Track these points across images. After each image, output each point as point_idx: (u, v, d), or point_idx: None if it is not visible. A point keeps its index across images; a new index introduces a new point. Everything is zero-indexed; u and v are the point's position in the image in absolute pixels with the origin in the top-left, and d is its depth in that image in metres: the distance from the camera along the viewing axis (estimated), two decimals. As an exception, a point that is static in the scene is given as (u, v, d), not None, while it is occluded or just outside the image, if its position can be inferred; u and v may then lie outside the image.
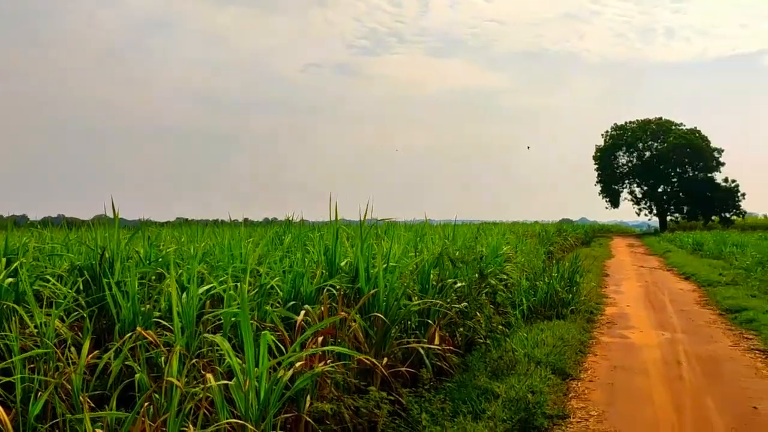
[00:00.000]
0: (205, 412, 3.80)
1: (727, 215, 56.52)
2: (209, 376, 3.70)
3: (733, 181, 57.19)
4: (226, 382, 3.76)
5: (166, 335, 4.55)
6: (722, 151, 57.97)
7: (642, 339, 9.03)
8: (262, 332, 3.93)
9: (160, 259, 6.15)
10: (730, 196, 56.74)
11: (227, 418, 3.61)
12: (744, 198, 56.71)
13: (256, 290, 5.36)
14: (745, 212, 57.67)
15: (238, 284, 5.16)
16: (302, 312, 4.79)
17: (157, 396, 3.69)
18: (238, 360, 3.85)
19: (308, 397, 4.22)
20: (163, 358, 4.17)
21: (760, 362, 7.65)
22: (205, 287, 4.95)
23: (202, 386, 3.69)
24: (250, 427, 3.56)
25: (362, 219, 6.42)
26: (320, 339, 4.58)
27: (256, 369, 3.82)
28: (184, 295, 4.53)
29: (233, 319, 4.54)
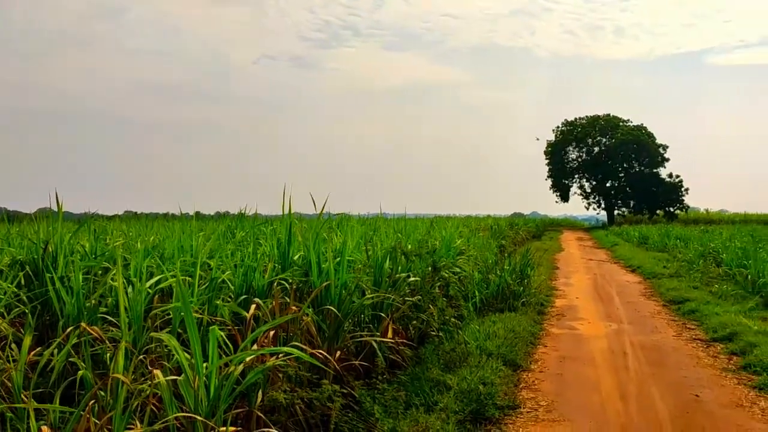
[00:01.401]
0: (153, 408, 3.72)
1: (672, 209, 58.25)
2: (157, 372, 3.61)
3: (677, 176, 59.00)
4: (174, 378, 3.68)
5: (112, 331, 4.43)
6: (667, 147, 59.69)
7: (590, 330, 9.25)
8: (212, 327, 3.86)
9: (107, 253, 5.98)
10: (674, 190, 58.47)
11: (176, 414, 3.54)
12: (687, 193, 58.55)
13: (206, 284, 5.27)
14: (688, 207, 59.54)
15: (188, 278, 5.07)
16: (253, 306, 4.72)
17: (102, 393, 3.59)
18: (187, 355, 3.78)
19: (260, 392, 4.17)
20: (108, 355, 4.06)
21: (701, 351, 7.92)
22: (153, 281, 4.83)
23: (149, 383, 3.61)
24: (199, 418, 3.49)
25: (320, 212, 6.38)
26: (272, 333, 4.53)
27: (205, 365, 3.75)
28: (131, 289, 4.41)
29: (182, 313, 4.45)
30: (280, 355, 4.36)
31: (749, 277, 12.60)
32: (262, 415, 4.09)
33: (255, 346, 4.32)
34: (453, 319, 7.63)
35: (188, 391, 3.65)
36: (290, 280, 5.77)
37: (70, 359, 3.91)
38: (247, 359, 4.04)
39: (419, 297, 7.22)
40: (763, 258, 13.31)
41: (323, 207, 6.41)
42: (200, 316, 4.57)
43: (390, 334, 6.27)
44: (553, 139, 63.96)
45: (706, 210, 65.06)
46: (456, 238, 12.85)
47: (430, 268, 7.72)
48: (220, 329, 4.34)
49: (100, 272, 5.62)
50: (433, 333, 7.29)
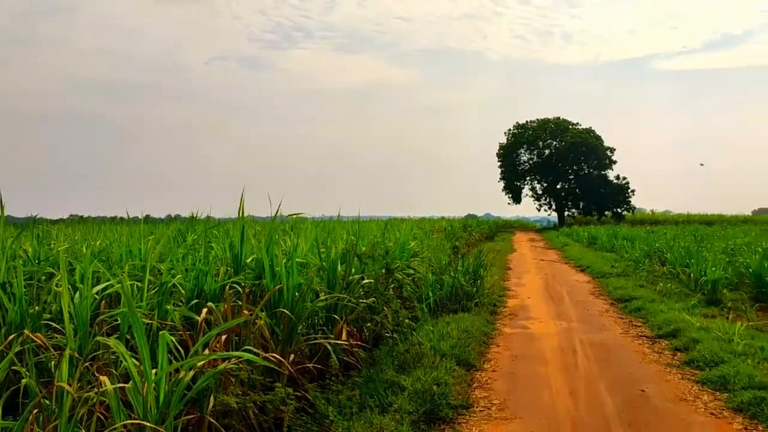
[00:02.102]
0: (100, 416, 3.63)
1: (619, 210, 59.86)
2: (104, 379, 3.53)
3: (624, 178, 60.69)
4: (122, 385, 3.60)
5: (57, 338, 4.30)
6: (614, 149, 61.34)
7: (541, 329, 9.41)
8: (161, 332, 3.79)
9: (51, 258, 5.81)
10: (621, 192, 60.10)
11: (124, 421, 3.46)
12: (634, 194, 60.30)
13: (156, 289, 5.17)
14: (635, 208, 61.33)
15: (136, 283, 4.97)
16: (204, 310, 4.65)
17: (47, 402, 3.48)
18: (135, 362, 3.70)
19: (212, 397, 4.11)
20: (53, 362, 3.95)
21: (647, 348, 8.15)
22: (100, 287, 4.71)
23: (96, 390, 3.52)
24: (148, 425, 3.42)
25: (273, 216, 6.32)
26: (224, 338, 4.47)
27: (155, 371, 3.68)
28: (77, 295, 4.29)
29: (130, 319, 4.35)
30: (233, 359, 4.31)
31: (692, 275, 13.03)
32: (213, 420, 4.03)
33: (206, 351, 4.27)
34: (407, 321, 7.66)
35: (137, 397, 3.58)
36: (243, 284, 5.71)
37: (13, 367, 3.78)
38: (199, 364, 3.98)
39: (373, 299, 7.23)
40: (704, 257, 13.80)
41: (277, 209, 6.35)
42: (150, 321, 4.48)
43: (344, 336, 6.27)
44: (505, 141, 64.98)
45: (652, 211, 67.12)
46: (410, 240, 12.95)
47: (383, 270, 7.74)
48: (171, 334, 4.27)
49: (44, 278, 5.46)
50: (388, 334, 7.31)
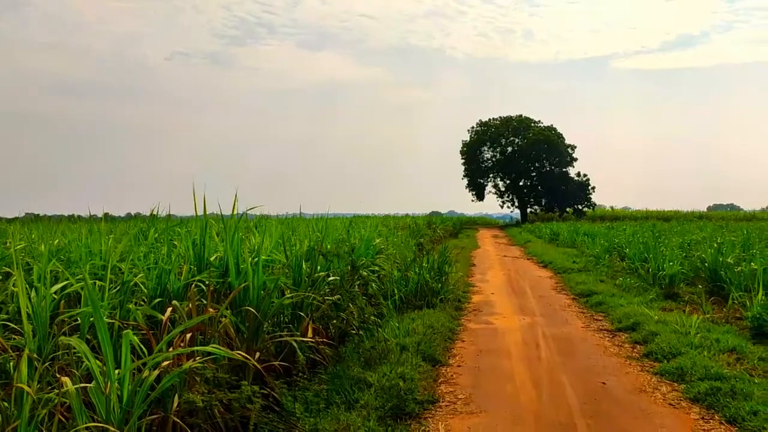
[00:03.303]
0: (61, 418, 3.56)
1: (580, 207, 60.91)
2: (65, 380, 3.46)
3: (585, 175, 61.77)
4: (84, 385, 3.53)
5: (15, 339, 4.20)
6: (575, 147, 62.35)
7: (505, 324, 9.53)
8: (124, 331, 3.73)
9: (7, 257, 5.66)
10: (582, 189, 61.17)
11: (86, 423, 3.39)
12: (594, 191, 61.46)
13: (117, 288, 5.09)
14: (595, 204, 62.48)
15: (98, 282, 4.88)
16: (168, 309, 4.59)
17: (5, 404, 3.40)
18: (98, 362, 3.64)
19: (176, 397, 4.06)
20: (11, 364, 3.85)
21: (607, 341, 8.33)
22: (59, 286, 4.61)
23: (57, 391, 3.44)
24: (111, 429, 3.36)
25: (232, 212, 6.26)
26: (188, 336, 4.42)
27: (117, 370, 3.62)
28: (35, 295, 4.19)
29: (91, 319, 4.27)
30: (197, 358, 4.26)
31: (650, 270, 13.34)
32: (178, 420, 3.98)
33: (170, 349, 4.21)
34: (373, 317, 7.69)
35: (99, 398, 3.52)
36: (207, 282, 5.65)
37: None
38: (163, 363, 3.93)
39: (339, 296, 7.23)
40: (662, 252, 14.14)
41: (238, 206, 6.30)
42: (112, 320, 4.40)
43: (310, 334, 6.25)
44: (468, 139, 65.49)
45: (612, 207, 68.58)
46: (375, 237, 12.95)
47: (349, 267, 7.74)
48: (134, 334, 4.20)
49: (0, 278, 5.32)
50: (354, 331, 7.32)
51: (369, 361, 6.45)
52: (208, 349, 3.95)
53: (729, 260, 11.82)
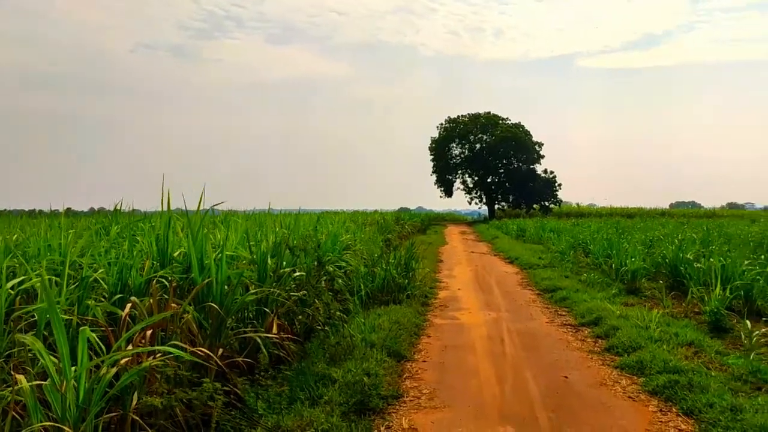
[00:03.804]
0: (16, 416, 3.48)
1: (547, 204, 61.64)
2: (20, 377, 3.38)
3: (552, 172, 62.52)
4: (39, 383, 3.45)
5: (-32, 336, 4.09)
6: (542, 144, 63.04)
7: (471, 319, 9.60)
8: (81, 328, 3.66)
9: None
10: (549, 186, 61.89)
11: (41, 421, 3.32)
12: (560, 188, 62.25)
13: (76, 284, 4.99)
14: (561, 201, 63.34)
15: (55, 278, 4.78)
16: (128, 305, 4.52)
17: (-44, 403, 3.31)
18: (54, 359, 3.56)
19: (135, 395, 4.00)
20: (-37, 362, 3.75)
21: (570, 336, 8.45)
22: (15, 281, 4.50)
23: (11, 389, 3.36)
24: (66, 429, 3.30)
25: (198, 207, 6.19)
26: (149, 333, 4.35)
27: (74, 368, 3.55)
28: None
29: (48, 315, 4.18)
30: (158, 356, 4.20)
31: (613, 265, 13.57)
32: (138, 418, 3.93)
33: (130, 347, 4.15)
34: (339, 313, 7.67)
35: (55, 396, 3.45)
36: (170, 278, 5.57)
37: None
38: (122, 361, 3.87)
39: (305, 292, 7.20)
40: (625, 248, 14.38)
41: (204, 201, 6.23)
42: (69, 317, 4.31)
43: (275, 330, 6.22)
44: (437, 135, 65.73)
45: (578, 204, 69.56)
46: (343, 233, 12.94)
47: (315, 263, 7.71)
48: (93, 331, 4.12)
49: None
50: (319, 327, 7.29)
51: (334, 357, 6.44)
52: (166, 348, 3.89)
53: (689, 256, 12.08)
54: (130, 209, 9.80)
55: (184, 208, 6.29)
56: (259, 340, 5.62)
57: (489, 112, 65.17)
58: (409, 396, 5.83)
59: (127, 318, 4.47)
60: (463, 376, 6.52)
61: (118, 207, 9.73)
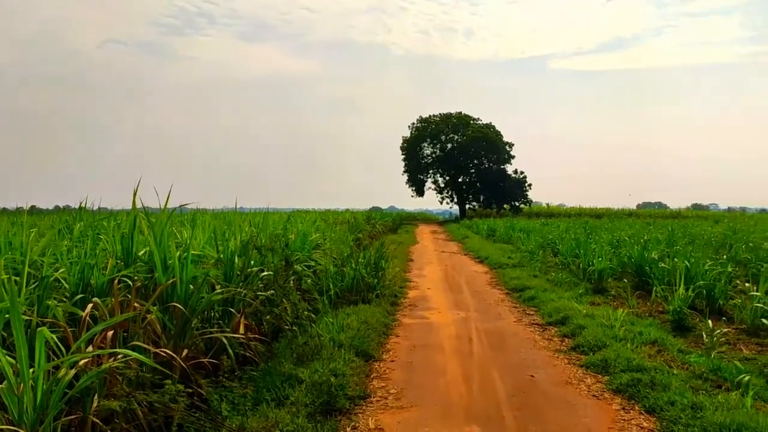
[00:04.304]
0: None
1: (517, 204, 62.18)
2: (-26, 380, 3.29)
3: (522, 172, 63.08)
4: (-6, 385, 3.37)
5: None
6: (513, 145, 63.52)
7: (440, 319, 9.63)
8: (40, 329, 3.57)
9: None
10: (519, 186, 62.43)
11: (-4, 426, 3.24)
12: (531, 188, 62.84)
13: (36, 283, 4.87)
14: (532, 201, 63.95)
15: (14, 277, 4.66)
16: (89, 305, 4.43)
17: None
18: (11, 360, 3.48)
19: (96, 397, 3.92)
20: None
21: (538, 335, 8.53)
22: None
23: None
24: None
25: (164, 206, 6.09)
26: (110, 334, 4.27)
27: (32, 370, 3.47)
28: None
29: (7, 315, 4.08)
30: (119, 357, 4.13)
31: (580, 265, 13.74)
32: (98, 420, 3.85)
33: (90, 348, 4.07)
34: (307, 313, 7.63)
35: (11, 398, 3.36)
36: (135, 277, 5.49)
37: None
38: (81, 362, 3.79)
39: (272, 291, 7.14)
40: (592, 248, 14.58)
41: (167, 198, 6.13)
42: (29, 317, 4.21)
43: (242, 330, 6.16)
44: (409, 135, 65.86)
45: (547, 204, 70.35)
46: (312, 232, 12.88)
47: (283, 262, 7.66)
48: (53, 332, 4.03)
49: None
50: (287, 327, 7.24)
51: (302, 357, 6.41)
52: (125, 351, 3.82)
53: (653, 256, 12.30)
54: (97, 207, 9.64)
55: (152, 206, 6.20)
56: (224, 340, 5.56)
57: (460, 112, 65.50)
58: (377, 396, 5.82)
59: (88, 319, 4.39)
60: (430, 375, 6.54)
61: (83, 205, 9.58)
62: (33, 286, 4.82)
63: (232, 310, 6.28)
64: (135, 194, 5.91)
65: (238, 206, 11.06)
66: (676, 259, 11.44)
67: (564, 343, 7.99)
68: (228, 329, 5.96)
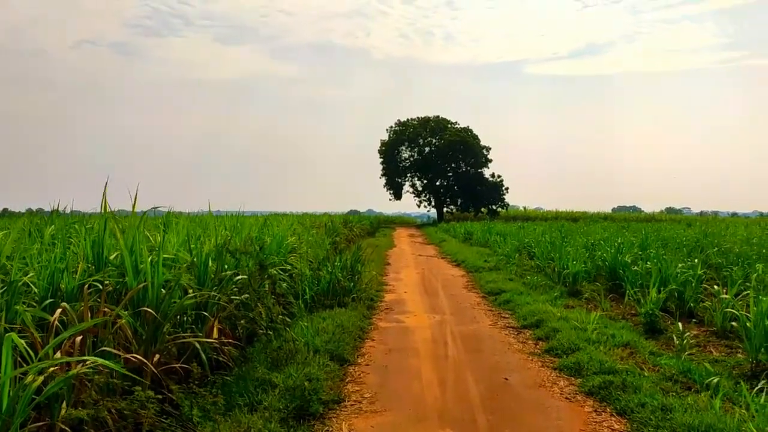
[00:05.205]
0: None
1: (494, 207, 62.54)
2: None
3: (499, 176, 63.48)
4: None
5: None
6: (490, 148, 63.92)
7: (416, 322, 9.65)
8: (7, 335, 3.51)
9: None
10: (496, 189, 62.82)
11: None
12: (507, 192, 63.25)
13: (4, 288, 4.79)
14: (508, 204, 64.34)
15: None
16: (58, 311, 4.36)
17: None
18: (-24, 367, 3.41)
19: (64, 403, 3.86)
20: None
21: (512, 338, 8.59)
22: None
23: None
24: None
25: (133, 208, 6.03)
26: (78, 339, 4.21)
27: (-2, 376, 3.41)
28: None
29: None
30: (88, 362, 4.07)
31: (556, 268, 13.88)
32: (66, 427, 3.79)
33: (59, 354, 4.01)
34: (282, 317, 7.60)
35: (-25, 406, 3.30)
36: (106, 282, 5.42)
37: None
38: (49, 369, 3.74)
39: (247, 295, 7.10)
40: (567, 252, 14.72)
41: (134, 201, 6.07)
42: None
43: (215, 335, 6.12)
44: (387, 138, 65.95)
45: (524, 208, 70.90)
46: (289, 235, 12.83)
47: (258, 266, 7.61)
48: (22, 337, 3.97)
49: None
50: (262, 332, 7.21)
51: (276, 362, 6.37)
52: (94, 359, 3.77)
53: (627, 259, 12.46)
54: (69, 210, 9.50)
55: (127, 209, 6.12)
56: (197, 345, 5.51)
57: (438, 116, 65.73)
58: (351, 400, 5.81)
59: (57, 324, 4.32)
60: (405, 379, 6.54)
61: (56, 208, 9.43)
62: (1, 290, 4.73)
63: (205, 314, 6.22)
64: (104, 197, 5.84)
65: (215, 209, 10.99)
66: (649, 263, 11.60)
67: (538, 346, 8.05)
68: (201, 334, 5.91)
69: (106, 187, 5.81)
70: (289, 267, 10.48)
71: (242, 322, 7.05)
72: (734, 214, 66.25)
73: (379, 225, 48.31)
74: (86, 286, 5.08)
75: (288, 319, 8.06)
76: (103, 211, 5.88)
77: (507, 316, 10.30)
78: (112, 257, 6.00)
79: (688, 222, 40.55)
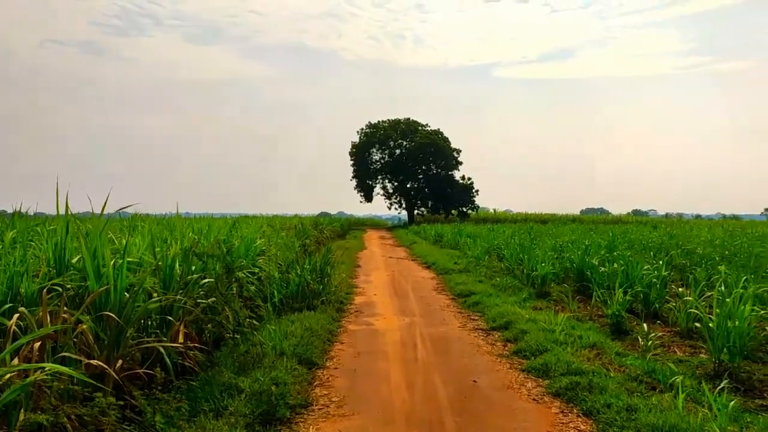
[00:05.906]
0: None
1: (464, 209, 62.90)
2: None
3: (469, 178, 63.87)
4: None
5: None
6: (460, 151, 64.29)
7: (385, 325, 9.63)
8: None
9: None
10: (466, 192, 63.18)
11: None
12: (478, 194, 63.67)
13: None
14: (479, 207, 64.77)
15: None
16: (15, 316, 4.24)
17: None
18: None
19: (21, 410, 3.75)
20: None
21: (481, 340, 8.62)
22: None
23: None
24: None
25: (102, 210, 5.90)
26: (37, 345, 4.10)
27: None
28: None
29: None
30: (47, 369, 3.96)
31: (524, 270, 13.98)
32: (23, 436, 3.68)
33: (16, 360, 3.89)
34: (249, 320, 7.52)
35: (-74, 416, 3.18)
36: (68, 286, 5.29)
37: None
38: (6, 376, 3.62)
39: (214, 299, 7.00)
40: (536, 254, 14.85)
41: (104, 205, 5.94)
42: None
43: (181, 339, 6.01)
44: (358, 140, 65.92)
45: (494, 210, 71.29)
46: (257, 237, 12.70)
47: (225, 269, 7.52)
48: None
49: None
50: (229, 336, 7.12)
51: (243, 366, 6.29)
52: (49, 365, 3.67)
53: (594, 261, 12.61)
54: (33, 212, 9.26)
55: (93, 212, 5.98)
56: (162, 350, 5.41)
57: (409, 118, 65.91)
58: (319, 404, 5.77)
59: (15, 329, 4.20)
60: (374, 382, 6.52)
61: (18, 209, 9.19)
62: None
63: (170, 318, 6.12)
64: (66, 199, 5.71)
65: (184, 211, 10.81)
66: (615, 264, 11.75)
67: (507, 348, 8.09)
68: (166, 339, 5.81)
69: (57, 187, 5.68)
70: (257, 270, 10.37)
71: (209, 326, 6.94)
72: (698, 216, 67.66)
73: (350, 227, 48.23)
74: (46, 290, 4.95)
75: (256, 323, 7.98)
76: (65, 213, 5.75)
77: (476, 318, 10.34)
78: (74, 261, 5.87)
79: (654, 224, 41.28)
